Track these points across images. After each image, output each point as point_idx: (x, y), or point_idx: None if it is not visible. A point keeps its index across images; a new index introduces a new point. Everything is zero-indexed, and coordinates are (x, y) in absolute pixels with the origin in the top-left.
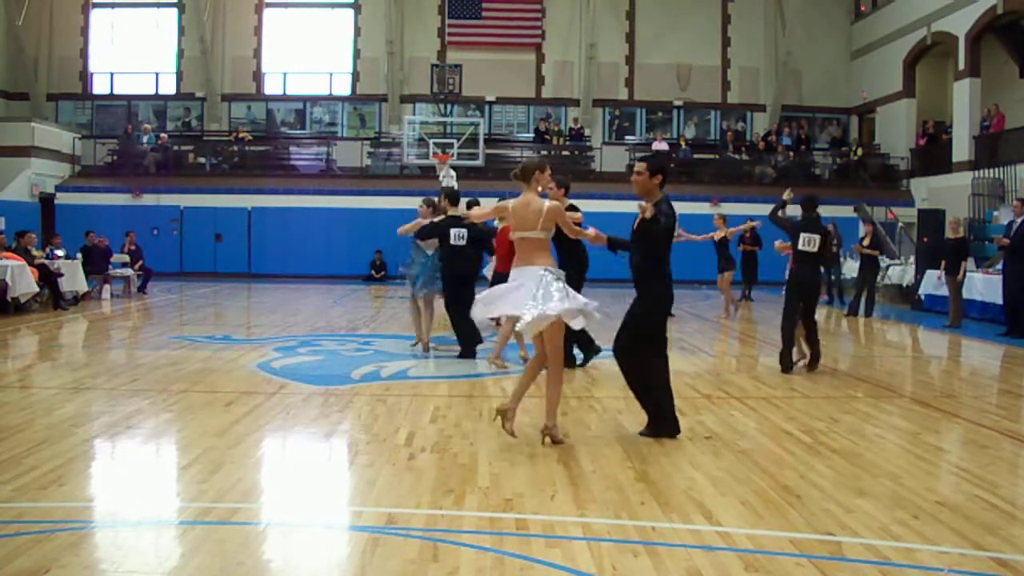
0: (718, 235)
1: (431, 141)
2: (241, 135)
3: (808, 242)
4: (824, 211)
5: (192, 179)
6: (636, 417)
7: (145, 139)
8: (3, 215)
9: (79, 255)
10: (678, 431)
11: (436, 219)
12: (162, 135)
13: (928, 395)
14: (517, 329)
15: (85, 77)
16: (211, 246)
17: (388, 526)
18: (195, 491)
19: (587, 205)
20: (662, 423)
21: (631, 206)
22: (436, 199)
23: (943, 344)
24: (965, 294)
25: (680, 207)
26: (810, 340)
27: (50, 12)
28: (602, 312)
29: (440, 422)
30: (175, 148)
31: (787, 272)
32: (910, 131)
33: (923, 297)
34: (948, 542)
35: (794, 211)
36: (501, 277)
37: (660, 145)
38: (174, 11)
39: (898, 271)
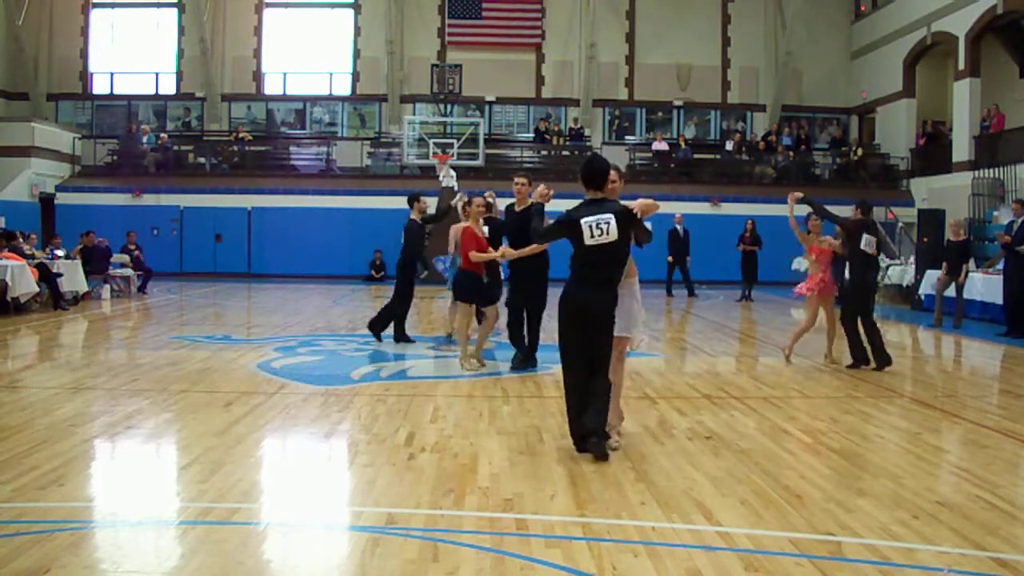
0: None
1: (431, 141)
2: (241, 135)
3: (869, 243)
4: None
5: (192, 179)
6: (636, 418)
7: (145, 139)
8: (3, 215)
9: (77, 256)
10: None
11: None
12: (162, 135)
13: (928, 395)
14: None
15: (85, 77)
16: (211, 246)
17: (388, 526)
18: (195, 491)
19: None
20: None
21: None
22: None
23: (943, 344)
24: (965, 294)
25: (680, 207)
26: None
27: (50, 12)
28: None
29: (440, 422)
30: (175, 148)
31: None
32: (910, 131)
33: (923, 297)
34: (948, 542)
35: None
36: (468, 275)
37: (660, 145)
38: (174, 11)
39: (898, 271)
